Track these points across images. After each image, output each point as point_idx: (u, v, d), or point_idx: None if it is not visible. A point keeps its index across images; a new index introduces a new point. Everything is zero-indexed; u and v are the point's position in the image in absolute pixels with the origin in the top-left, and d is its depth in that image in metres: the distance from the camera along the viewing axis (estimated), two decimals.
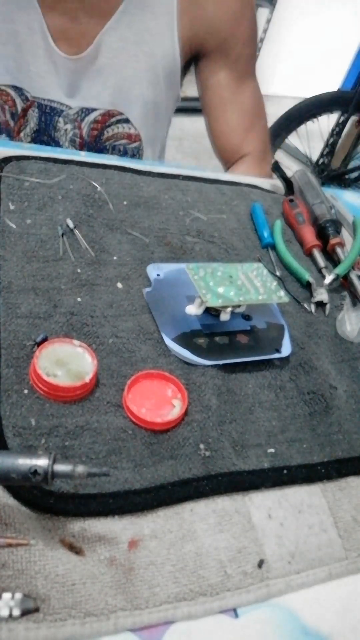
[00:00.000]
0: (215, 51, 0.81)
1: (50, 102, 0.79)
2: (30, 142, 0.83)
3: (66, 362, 0.42)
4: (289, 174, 0.76)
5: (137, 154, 0.88)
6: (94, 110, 0.81)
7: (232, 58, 0.82)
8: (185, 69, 0.85)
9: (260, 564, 0.37)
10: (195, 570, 0.36)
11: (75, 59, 0.75)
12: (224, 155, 0.90)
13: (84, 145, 0.84)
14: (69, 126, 0.82)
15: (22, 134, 0.83)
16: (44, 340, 0.43)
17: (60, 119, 0.81)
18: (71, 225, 0.54)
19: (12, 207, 0.54)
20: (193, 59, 0.85)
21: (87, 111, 0.80)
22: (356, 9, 3.06)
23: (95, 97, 0.79)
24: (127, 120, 0.83)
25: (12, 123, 0.82)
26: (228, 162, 0.91)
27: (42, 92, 0.78)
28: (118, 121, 0.82)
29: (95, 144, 0.84)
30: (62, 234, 0.53)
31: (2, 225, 0.52)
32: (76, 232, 0.54)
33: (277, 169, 0.75)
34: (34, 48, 0.75)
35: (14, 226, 0.52)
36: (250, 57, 0.86)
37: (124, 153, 0.86)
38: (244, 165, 0.89)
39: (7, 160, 0.59)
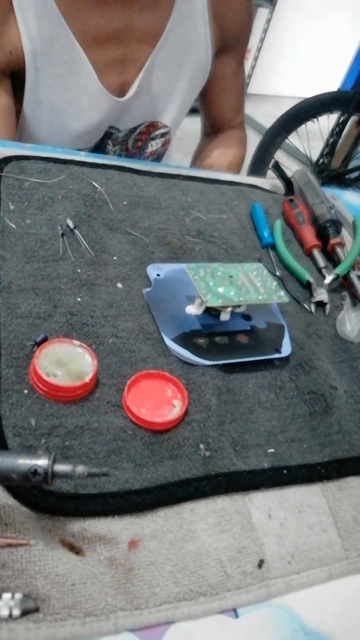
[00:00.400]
0: (229, 46, 0.84)
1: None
2: None
3: (66, 362, 0.42)
4: (289, 174, 0.75)
5: (165, 154, 0.92)
6: (139, 125, 0.83)
7: (238, 49, 0.86)
8: None
9: (260, 564, 0.37)
10: (195, 570, 0.36)
11: (125, 100, 0.76)
12: (218, 126, 0.96)
13: (128, 157, 0.87)
14: (117, 147, 0.84)
15: None
16: (44, 340, 0.43)
17: (110, 142, 0.83)
18: (71, 225, 0.54)
19: (12, 207, 0.54)
20: None
21: (134, 129, 0.83)
22: (356, 9, 3.06)
23: (142, 116, 0.82)
24: (167, 129, 0.86)
25: None
26: (219, 131, 0.97)
27: (92, 142, 0.81)
28: (162, 134, 0.86)
29: (139, 156, 0.88)
30: (62, 234, 0.53)
31: (2, 225, 0.52)
32: (76, 232, 0.54)
33: (277, 169, 0.75)
34: (86, 113, 0.75)
35: (14, 226, 0.52)
36: (244, 54, 0.91)
37: (156, 157, 0.90)
38: (238, 133, 0.97)
39: (7, 160, 0.59)
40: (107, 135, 0.82)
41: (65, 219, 0.55)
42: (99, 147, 0.83)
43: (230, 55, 0.85)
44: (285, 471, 0.43)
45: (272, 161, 0.78)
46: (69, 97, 0.73)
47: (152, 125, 0.84)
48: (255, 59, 3.28)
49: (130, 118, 0.81)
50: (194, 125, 1.04)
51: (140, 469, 0.39)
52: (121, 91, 0.76)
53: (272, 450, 0.44)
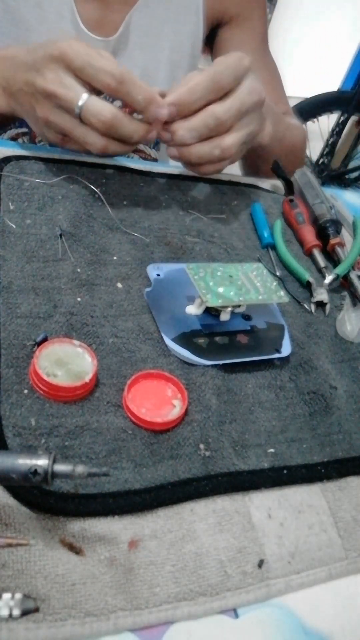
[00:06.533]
0: (233, 20, 0.81)
1: None
2: None
3: (66, 362, 0.42)
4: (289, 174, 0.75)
5: (157, 144, 0.86)
6: None
7: (248, 28, 0.82)
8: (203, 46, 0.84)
9: (260, 564, 0.37)
10: (195, 570, 0.36)
11: (106, 40, 0.74)
12: None
13: None
14: None
15: None
16: (44, 340, 0.43)
17: None
18: (63, 228, 0.54)
19: (12, 207, 0.54)
20: (210, 33, 0.84)
21: None
22: (356, 10, 3.06)
23: None
24: None
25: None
26: None
27: None
28: None
29: None
30: (60, 235, 0.53)
31: (2, 225, 0.52)
32: (62, 239, 0.53)
33: (277, 169, 0.75)
34: (63, 35, 0.73)
35: (14, 226, 0.52)
36: (264, 33, 0.85)
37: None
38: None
39: (7, 160, 0.59)
40: None
41: (65, 219, 0.55)
42: None
43: (241, 33, 0.80)
44: (285, 471, 0.43)
45: (272, 161, 0.77)
46: (39, 14, 0.71)
47: None
48: None
49: None
50: None
51: (140, 469, 0.39)
52: (101, 32, 0.74)
53: (272, 450, 0.44)
